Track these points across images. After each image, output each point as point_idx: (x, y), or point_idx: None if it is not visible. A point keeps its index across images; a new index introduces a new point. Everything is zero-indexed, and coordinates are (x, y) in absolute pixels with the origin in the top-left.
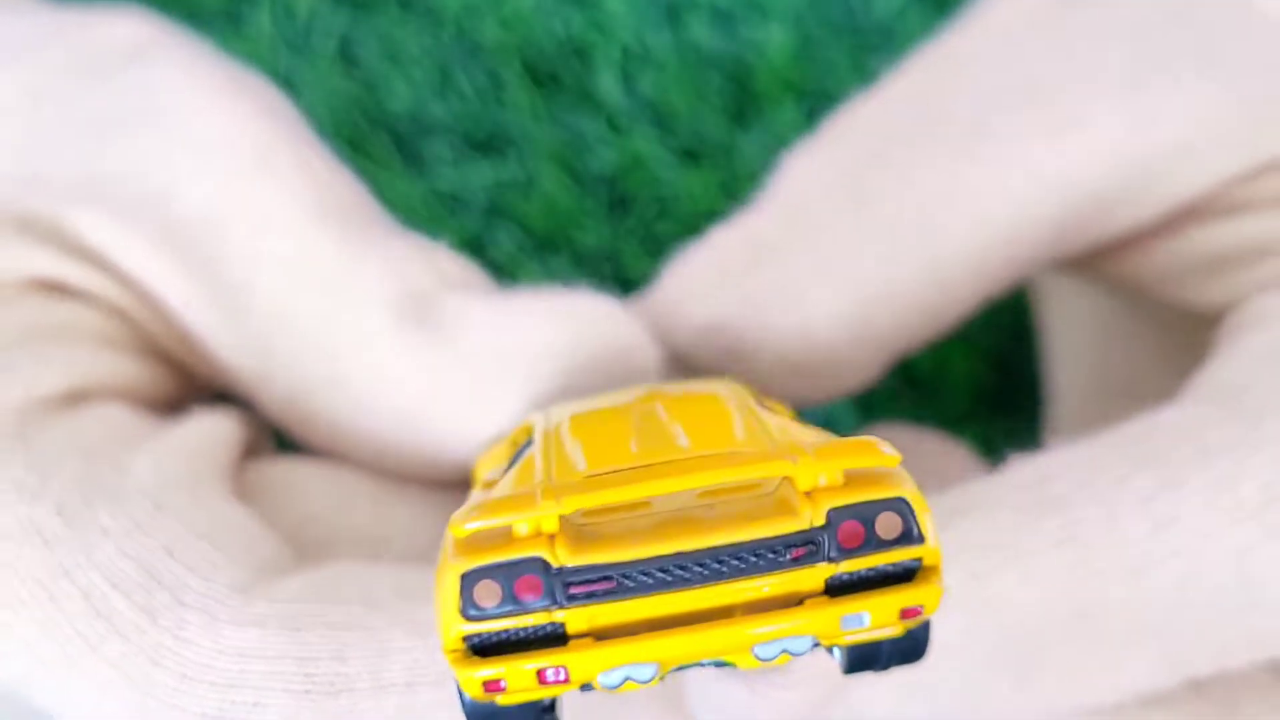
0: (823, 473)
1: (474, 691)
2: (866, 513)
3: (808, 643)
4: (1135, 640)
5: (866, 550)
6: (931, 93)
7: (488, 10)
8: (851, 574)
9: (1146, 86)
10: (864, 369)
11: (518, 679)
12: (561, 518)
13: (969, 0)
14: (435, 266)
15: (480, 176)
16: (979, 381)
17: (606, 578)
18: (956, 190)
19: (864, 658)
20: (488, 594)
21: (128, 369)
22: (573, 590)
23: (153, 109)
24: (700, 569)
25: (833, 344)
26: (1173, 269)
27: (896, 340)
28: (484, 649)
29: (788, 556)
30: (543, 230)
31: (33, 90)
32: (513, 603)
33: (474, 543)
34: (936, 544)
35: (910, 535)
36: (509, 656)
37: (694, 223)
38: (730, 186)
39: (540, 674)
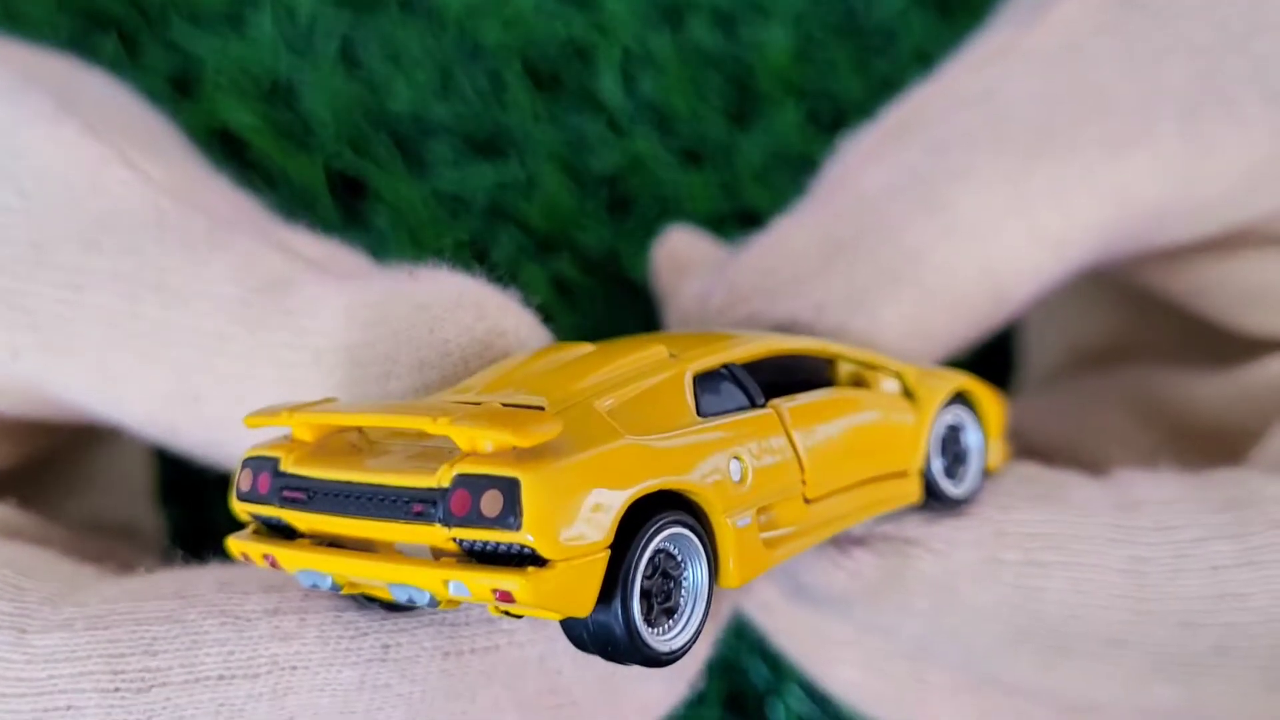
0: (475, 438)
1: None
2: (476, 486)
3: (424, 596)
4: (1161, 678)
5: (470, 522)
6: (995, 90)
7: (489, 12)
8: (472, 542)
9: (1207, 113)
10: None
11: (257, 557)
12: (318, 432)
13: (970, 3)
14: (292, 253)
15: (481, 177)
16: None
17: (301, 489)
18: (1015, 201)
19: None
20: (245, 480)
21: None
22: (285, 494)
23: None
24: (353, 500)
25: (899, 346)
26: (1217, 292)
27: (951, 340)
28: (272, 530)
29: (411, 510)
30: (544, 231)
31: None
32: (255, 493)
33: (286, 439)
34: (545, 534)
35: (506, 518)
36: (267, 539)
37: (695, 223)
38: (731, 187)
39: (266, 558)
